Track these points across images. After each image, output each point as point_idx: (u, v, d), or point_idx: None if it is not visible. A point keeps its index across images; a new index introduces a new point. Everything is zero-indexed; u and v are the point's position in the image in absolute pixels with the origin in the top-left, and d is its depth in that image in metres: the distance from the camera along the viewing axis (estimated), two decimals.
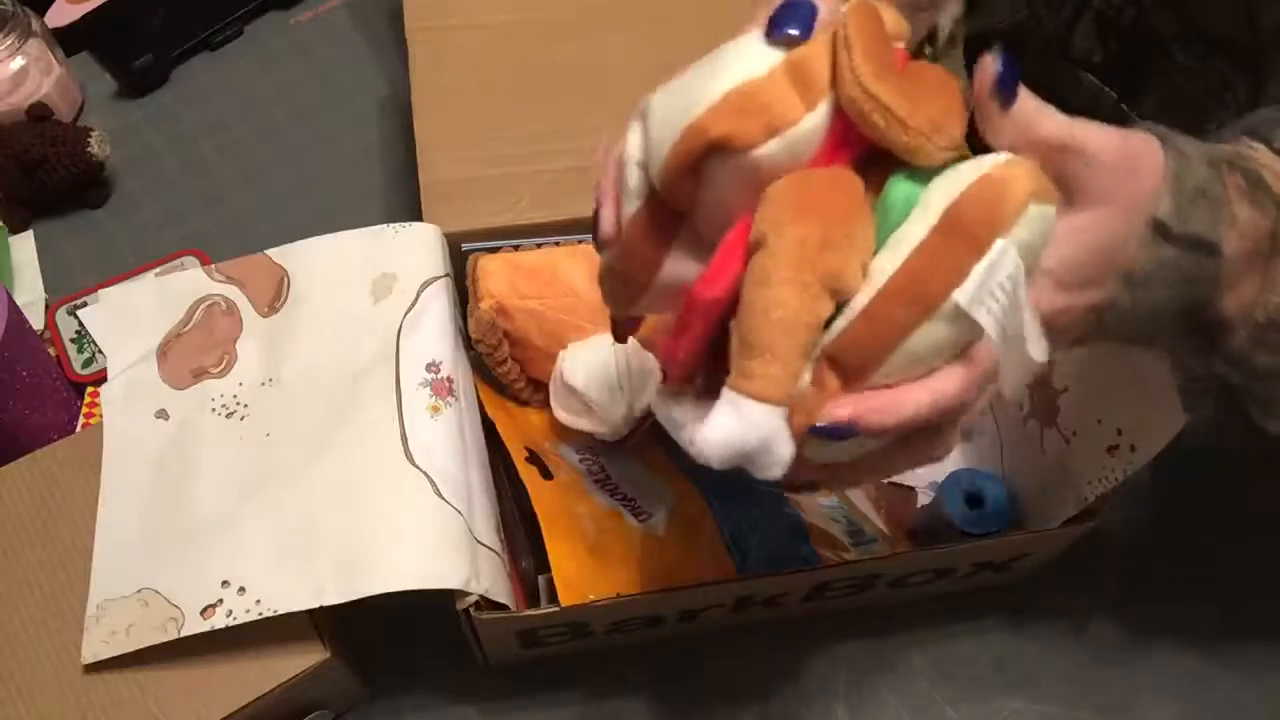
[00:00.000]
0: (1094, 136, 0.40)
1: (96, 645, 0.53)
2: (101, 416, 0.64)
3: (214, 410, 0.59)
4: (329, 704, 0.60)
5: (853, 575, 0.59)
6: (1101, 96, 0.66)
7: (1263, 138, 0.42)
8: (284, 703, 0.55)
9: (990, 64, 0.38)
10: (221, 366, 0.60)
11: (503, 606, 0.55)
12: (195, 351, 0.61)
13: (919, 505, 0.70)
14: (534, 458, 0.63)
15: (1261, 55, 0.56)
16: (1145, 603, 0.68)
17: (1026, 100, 0.40)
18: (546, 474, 0.62)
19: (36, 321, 0.73)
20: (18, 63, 0.79)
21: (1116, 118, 0.65)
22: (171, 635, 0.52)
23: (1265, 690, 0.65)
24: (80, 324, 0.72)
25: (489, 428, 0.63)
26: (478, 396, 0.64)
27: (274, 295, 0.62)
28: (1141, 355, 0.52)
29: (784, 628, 0.66)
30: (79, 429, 0.67)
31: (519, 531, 0.64)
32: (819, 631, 0.66)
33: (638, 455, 0.66)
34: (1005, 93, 0.39)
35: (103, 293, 0.63)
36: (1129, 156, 0.39)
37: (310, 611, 0.55)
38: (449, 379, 0.57)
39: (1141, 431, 0.53)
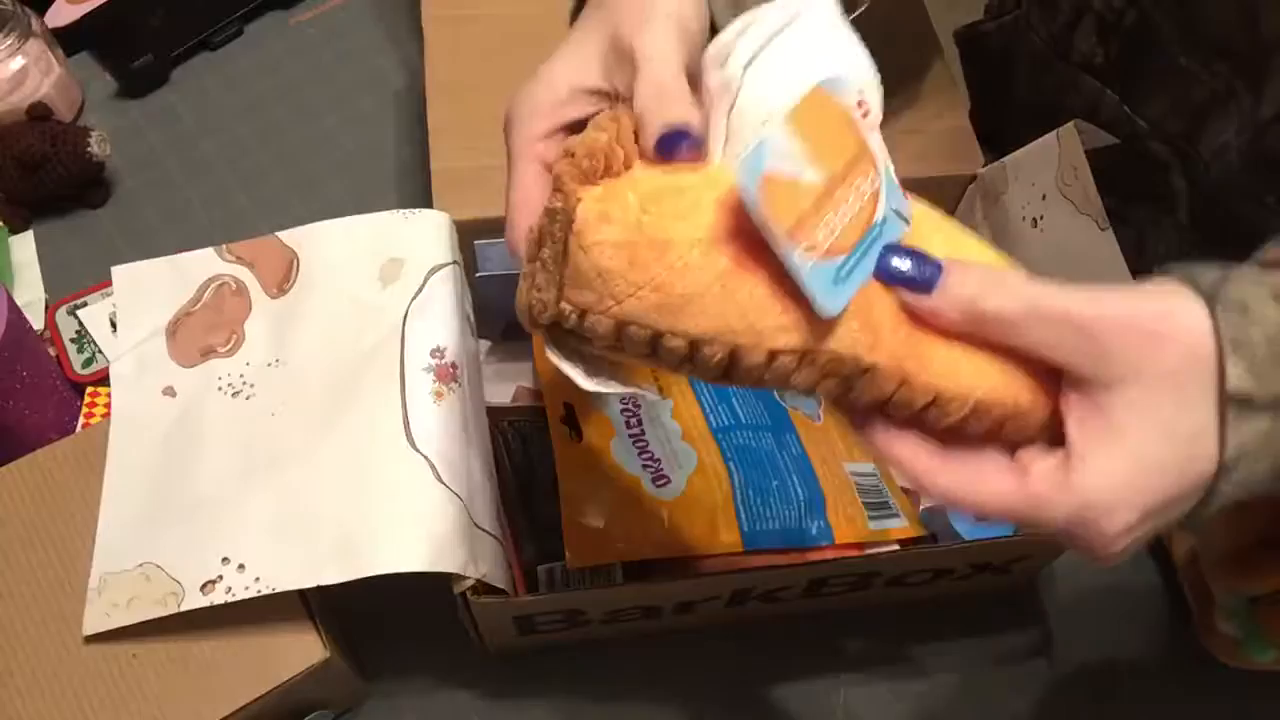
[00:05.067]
0: (1082, 303, 0.35)
1: (98, 617, 0.54)
2: (101, 417, 0.64)
3: (220, 389, 0.59)
4: (329, 703, 0.61)
5: (850, 572, 0.59)
6: (1103, 99, 0.66)
7: None
8: (284, 703, 0.55)
9: (885, 267, 0.36)
10: (229, 346, 0.61)
11: (501, 592, 0.55)
12: (204, 330, 0.61)
13: (921, 506, 0.70)
14: (569, 417, 0.64)
15: (1264, 60, 0.56)
16: (1147, 603, 0.68)
17: (958, 275, 0.36)
18: (577, 435, 0.63)
19: (36, 321, 0.73)
20: (18, 63, 0.79)
21: (1119, 121, 0.65)
22: (171, 609, 0.53)
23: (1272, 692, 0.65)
24: (80, 324, 0.72)
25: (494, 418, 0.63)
26: (535, 358, 0.62)
27: (283, 277, 0.62)
28: None
29: (783, 625, 0.66)
30: (79, 429, 0.67)
31: (521, 520, 0.64)
32: (818, 630, 0.66)
33: (676, 414, 0.66)
34: (909, 281, 0.36)
35: (115, 270, 0.63)
36: (1144, 324, 0.35)
37: (310, 611, 0.55)
38: (453, 365, 0.58)
39: None
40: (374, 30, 0.91)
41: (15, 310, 0.62)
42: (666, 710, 0.64)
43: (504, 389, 0.72)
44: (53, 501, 0.58)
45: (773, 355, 0.36)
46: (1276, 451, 0.35)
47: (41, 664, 0.54)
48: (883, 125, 0.67)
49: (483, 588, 0.54)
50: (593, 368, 0.41)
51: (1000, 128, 0.71)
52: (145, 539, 0.55)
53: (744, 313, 0.35)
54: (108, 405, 0.65)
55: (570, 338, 0.38)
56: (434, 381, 0.57)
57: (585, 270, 0.36)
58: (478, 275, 0.65)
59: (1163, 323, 0.35)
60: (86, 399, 0.69)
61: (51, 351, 0.71)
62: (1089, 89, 0.67)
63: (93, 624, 0.54)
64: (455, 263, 0.62)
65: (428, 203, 0.63)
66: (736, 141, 0.38)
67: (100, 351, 0.70)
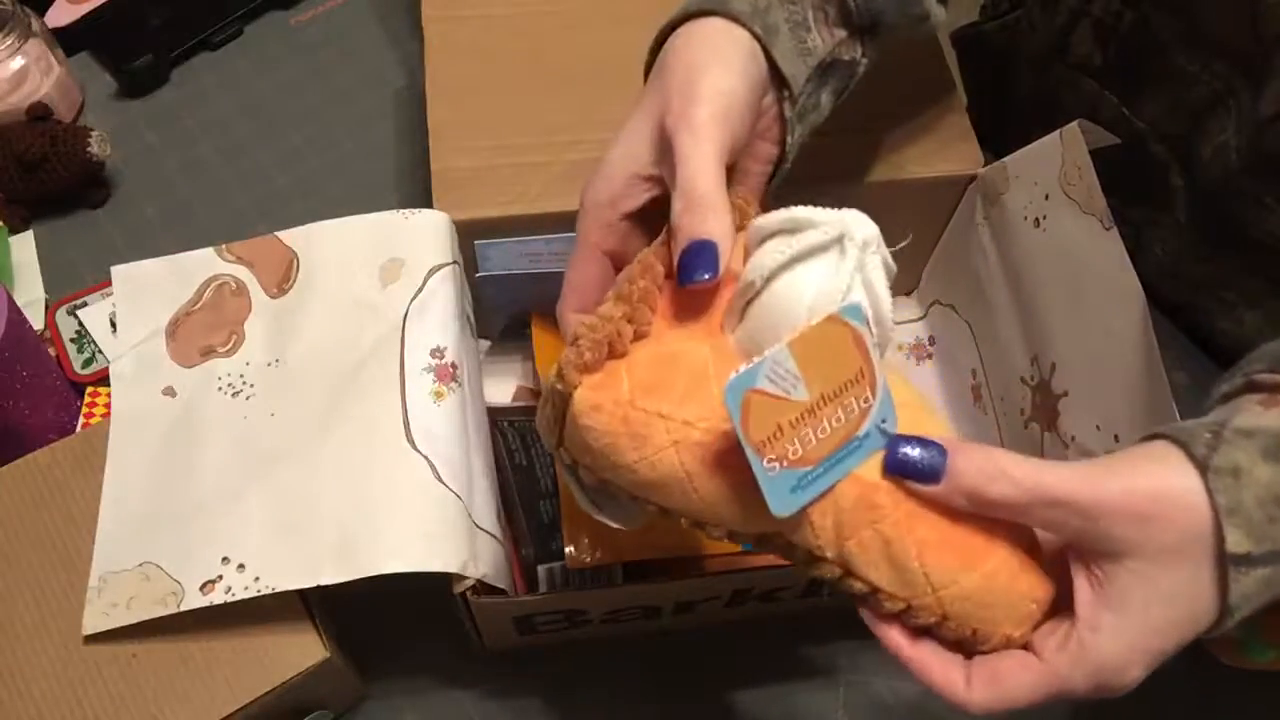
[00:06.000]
0: (1079, 486, 0.37)
1: (98, 617, 0.54)
2: (101, 417, 0.64)
3: (220, 389, 0.60)
4: (329, 703, 0.60)
5: None
6: (1102, 100, 0.66)
7: None
8: (284, 703, 0.55)
9: (884, 460, 0.39)
10: (229, 346, 0.61)
11: (500, 591, 0.55)
12: (204, 330, 0.61)
13: None
14: None
15: (1265, 58, 0.55)
16: None
17: (961, 464, 0.38)
18: None
19: (36, 321, 0.73)
20: (18, 63, 0.79)
21: (1118, 122, 0.65)
22: (171, 609, 0.53)
23: (1272, 692, 0.65)
24: (80, 324, 0.72)
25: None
26: (535, 358, 0.63)
27: (283, 277, 0.62)
28: (1139, 362, 0.52)
29: (783, 625, 0.66)
30: (79, 429, 0.67)
31: (522, 520, 0.64)
32: (817, 630, 0.66)
33: None
34: (917, 473, 0.39)
35: (115, 270, 0.63)
36: (1138, 505, 0.37)
37: (310, 611, 0.55)
38: (453, 365, 0.58)
39: (1138, 437, 0.53)
40: (374, 30, 0.91)
41: (15, 310, 0.61)
42: (666, 710, 0.64)
43: (504, 389, 0.72)
44: (53, 501, 0.58)
45: (732, 534, 0.41)
46: (1277, 589, 0.38)
47: (41, 664, 0.53)
48: (883, 127, 0.68)
49: (483, 588, 0.54)
50: (596, 494, 0.46)
51: (999, 129, 0.71)
52: (145, 539, 0.55)
53: (707, 503, 0.40)
54: (108, 405, 0.65)
55: (573, 470, 0.44)
56: (434, 381, 0.57)
57: (577, 441, 0.42)
58: (478, 275, 0.65)
59: (1157, 504, 0.37)
60: (86, 399, 0.69)
61: (51, 351, 0.71)
62: (1088, 90, 0.67)
63: (93, 624, 0.54)
64: (455, 263, 0.62)
65: (428, 203, 0.63)
66: (745, 335, 0.41)
67: (100, 351, 0.70)
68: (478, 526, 0.55)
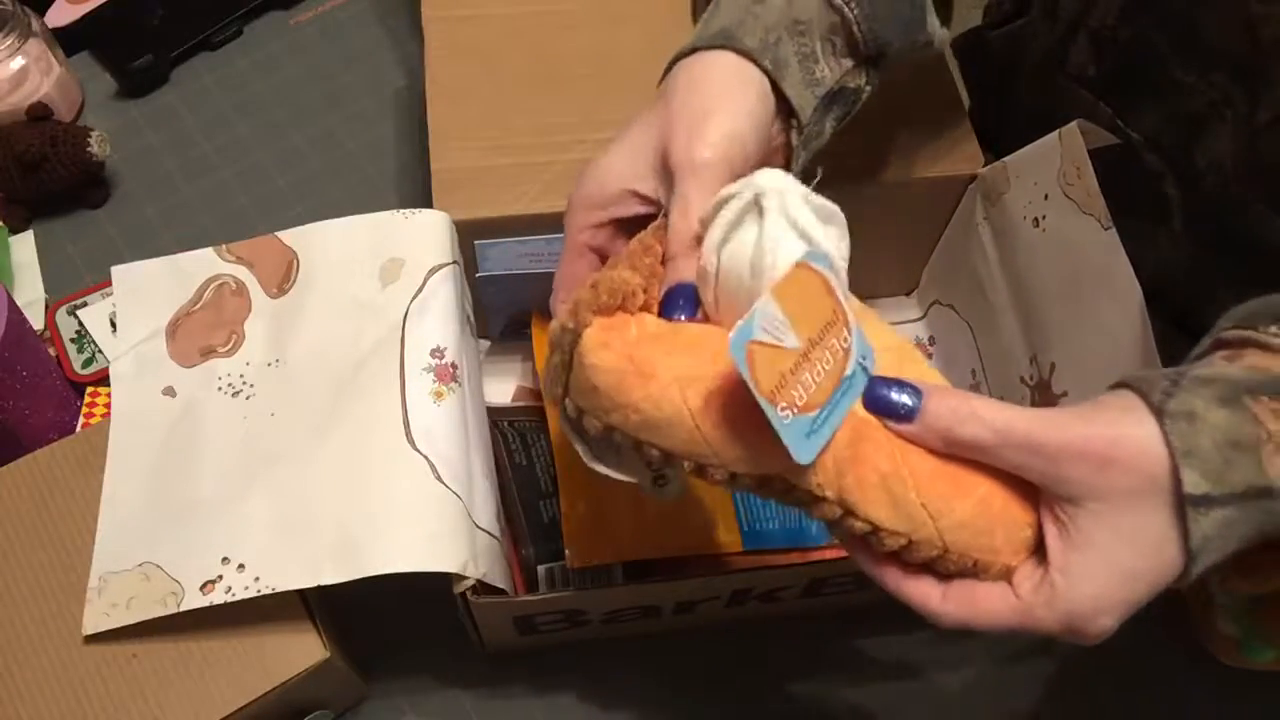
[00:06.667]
0: (1044, 430, 0.39)
1: (98, 617, 0.54)
2: (101, 417, 0.64)
3: (220, 389, 0.60)
4: (329, 703, 0.61)
5: (850, 572, 0.59)
6: (1097, 111, 0.66)
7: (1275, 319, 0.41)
8: (284, 703, 0.55)
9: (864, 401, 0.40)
10: (229, 346, 0.61)
11: (500, 591, 0.55)
12: (204, 330, 0.62)
13: None
14: None
15: (1262, 68, 0.55)
16: (1147, 603, 0.68)
17: (934, 405, 0.40)
18: None
19: (36, 321, 0.73)
20: (18, 63, 0.79)
21: (1113, 133, 0.65)
22: (171, 609, 0.53)
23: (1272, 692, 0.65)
24: (80, 324, 0.72)
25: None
26: (535, 358, 0.64)
27: (283, 277, 0.62)
28: (1138, 362, 0.52)
29: (784, 624, 0.66)
30: (79, 429, 0.67)
31: (521, 520, 0.64)
32: (818, 630, 0.66)
33: None
34: (893, 412, 0.40)
35: (115, 270, 0.63)
36: (1097, 449, 0.38)
37: (310, 611, 0.55)
38: (453, 365, 0.58)
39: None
40: (374, 30, 0.91)
41: (15, 310, 0.62)
42: (666, 710, 0.64)
43: (504, 389, 0.72)
44: (53, 501, 0.58)
45: (734, 476, 0.42)
46: (1240, 533, 0.38)
47: (41, 664, 0.54)
48: (884, 128, 0.68)
49: (483, 588, 0.54)
50: (598, 446, 0.47)
51: (1000, 130, 0.71)
52: (145, 539, 0.55)
53: (710, 442, 0.41)
54: (108, 405, 0.65)
55: (576, 423, 0.45)
56: (434, 381, 0.57)
57: (583, 383, 0.42)
58: (478, 275, 0.65)
59: (1115, 448, 0.38)
60: (86, 399, 0.69)
61: (51, 351, 0.71)
62: (1083, 101, 0.67)
63: (93, 624, 0.54)
64: (455, 263, 0.62)
65: (428, 203, 0.63)
66: (724, 316, 0.43)
67: (100, 351, 0.70)
68: (478, 526, 0.55)
